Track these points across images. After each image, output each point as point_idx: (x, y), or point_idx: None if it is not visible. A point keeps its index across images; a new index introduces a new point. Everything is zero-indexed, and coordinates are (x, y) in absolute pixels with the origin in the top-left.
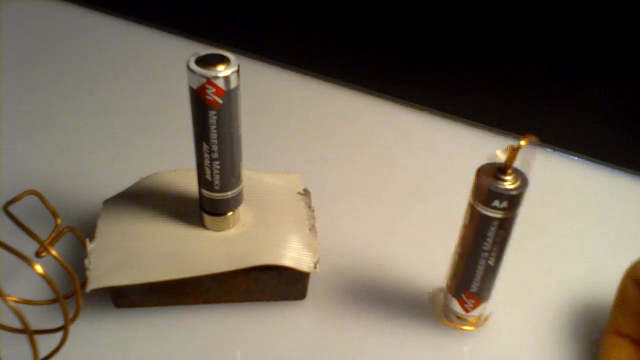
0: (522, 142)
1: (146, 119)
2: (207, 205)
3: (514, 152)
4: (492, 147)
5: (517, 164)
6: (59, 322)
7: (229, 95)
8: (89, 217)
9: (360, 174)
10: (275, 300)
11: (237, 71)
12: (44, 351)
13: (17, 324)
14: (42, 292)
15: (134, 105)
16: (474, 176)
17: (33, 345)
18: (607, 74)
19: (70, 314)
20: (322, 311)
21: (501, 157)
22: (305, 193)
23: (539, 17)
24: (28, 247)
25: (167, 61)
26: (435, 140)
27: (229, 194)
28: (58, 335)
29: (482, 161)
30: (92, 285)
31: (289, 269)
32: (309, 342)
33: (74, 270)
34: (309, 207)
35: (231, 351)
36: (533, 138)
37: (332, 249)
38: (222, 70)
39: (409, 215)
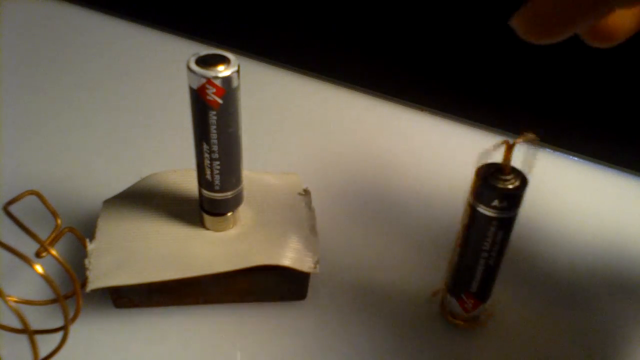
0: (518, 140)
1: (146, 119)
2: (207, 205)
3: (509, 150)
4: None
5: (517, 164)
6: (59, 322)
7: (229, 95)
8: (89, 217)
9: (360, 174)
10: (275, 300)
11: (237, 71)
12: (44, 351)
13: (17, 324)
14: (42, 292)
15: (134, 105)
16: (474, 176)
17: (33, 345)
18: (608, 74)
19: (70, 314)
20: (322, 311)
21: (492, 151)
22: (305, 193)
23: None
24: (28, 247)
25: (167, 61)
26: (435, 140)
27: (229, 194)
28: (58, 335)
29: (482, 161)
30: (92, 285)
31: (289, 269)
32: (309, 342)
33: (74, 270)
34: (309, 207)
35: (231, 351)
36: (531, 136)
37: (332, 249)
38: (222, 71)
39: (409, 215)
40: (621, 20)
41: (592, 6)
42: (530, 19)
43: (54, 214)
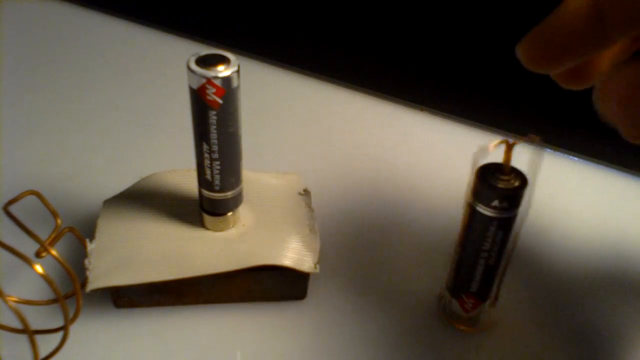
0: (520, 140)
1: (146, 119)
2: (207, 205)
3: (509, 150)
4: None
5: (518, 164)
6: (59, 322)
7: (229, 95)
8: (89, 217)
9: (360, 174)
10: (275, 300)
11: (237, 71)
12: (44, 351)
13: (17, 324)
14: (42, 292)
15: (134, 105)
16: (474, 176)
17: (33, 345)
18: None
19: (70, 314)
20: (322, 311)
21: (489, 150)
22: (306, 193)
23: (539, 16)
24: (28, 247)
25: (167, 61)
26: (435, 140)
27: (229, 194)
28: (58, 335)
29: (482, 161)
30: (92, 285)
31: (289, 269)
32: (309, 342)
33: (74, 270)
34: (309, 207)
35: (231, 351)
36: (535, 138)
37: (332, 249)
38: (222, 71)
39: (409, 215)
40: (599, 60)
41: (594, 37)
42: (533, 49)
43: (54, 214)
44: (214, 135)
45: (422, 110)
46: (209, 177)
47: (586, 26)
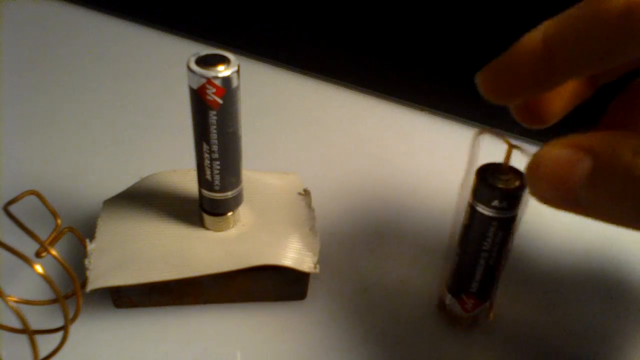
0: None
1: (146, 119)
2: (207, 205)
3: (509, 150)
4: (492, 147)
5: (522, 166)
6: (59, 322)
7: (229, 95)
8: (89, 217)
9: (360, 174)
10: (275, 300)
11: (237, 71)
12: (44, 351)
13: (17, 324)
14: (42, 292)
15: (134, 105)
16: (474, 176)
17: (33, 345)
18: None
19: (70, 314)
20: (322, 311)
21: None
22: (305, 193)
23: (537, 17)
24: (28, 247)
25: (167, 61)
26: (435, 140)
27: (229, 194)
28: (58, 335)
29: (483, 161)
30: (92, 285)
31: (289, 269)
32: (309, 342)
33: (74, 270)
34: (309, 207)
35: (231, 351)
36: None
37: (332, 249)
38: (222, 71)
39: (409, 215)
40: (553, 102)
41: (543, 75)
42: (489, 81)
43: (54, 214)
44: (214, 135)
45: (422, 110)
46: (209, 177)
47: (536, 64)
